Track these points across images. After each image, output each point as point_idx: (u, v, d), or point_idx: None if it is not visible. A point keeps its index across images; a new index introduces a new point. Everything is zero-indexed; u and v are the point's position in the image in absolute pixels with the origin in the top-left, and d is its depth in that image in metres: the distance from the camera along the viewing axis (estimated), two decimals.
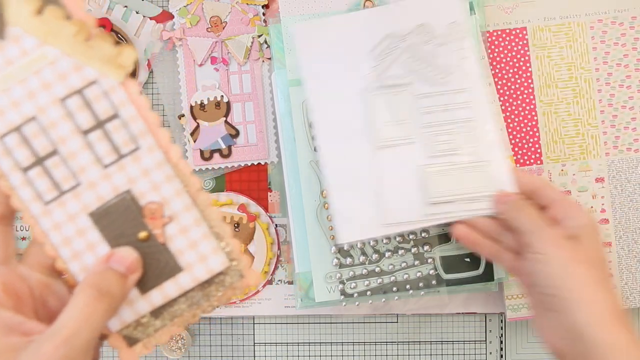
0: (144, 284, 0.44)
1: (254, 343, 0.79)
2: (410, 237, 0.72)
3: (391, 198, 0.69)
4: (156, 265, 0.44)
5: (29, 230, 0.45)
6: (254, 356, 0.79)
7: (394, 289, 0.72)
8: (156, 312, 0.45)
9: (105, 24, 0.77)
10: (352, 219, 0.68)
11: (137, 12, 0.78)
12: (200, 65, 0.77)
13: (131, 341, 0.45)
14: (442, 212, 0.68)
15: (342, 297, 0.72)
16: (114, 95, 0.43)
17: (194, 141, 0.77)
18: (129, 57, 0.42)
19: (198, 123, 0.77)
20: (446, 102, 0.70)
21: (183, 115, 0.78)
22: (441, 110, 0.70)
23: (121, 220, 0.44)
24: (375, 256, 0.72)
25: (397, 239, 0.72)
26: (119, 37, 0.78)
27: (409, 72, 0.70)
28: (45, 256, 0.44)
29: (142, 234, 0.44)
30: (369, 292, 0.72)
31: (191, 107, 0.78)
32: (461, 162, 0.69)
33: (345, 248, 0.72)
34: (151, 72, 0.78)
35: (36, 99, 0.42)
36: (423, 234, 0.72)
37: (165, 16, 0.78)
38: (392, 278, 0.72)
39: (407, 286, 0.72)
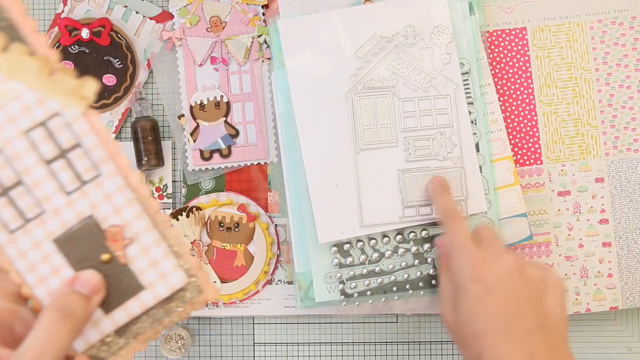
0: (108, 304, 0.46)
1: (254, 343, 0.79)
2: (410, 236, 0.72)
3: (371, 200, 0.70)
4: (119, 286, 0.46)
5: None
6: (254, 356, 0.79)
7: (394, 288, 0.72)
8: (120, 331, 0.47)
9: (105, 24, 0.77)
10: (332, 219, 0.70)
11: (137, 12, 0.78)
12: (200, 65, 0.77)
13: None
14: (419, 215, 0.71)
15: (342, 297, 0.72)
16: (76, 126, 0.45)
17: (194, 141, 0.77)
18: (91, 89, 0.45)
19: (198, 123, 0.77)
20: (427, 107, 0.71)
21: (183, 115, 0.78)
22: (422, 115, 0.71)
23: (84, 244, 0.45)
24: (375, 256, 0.72)
25: (397, 238, 0.72)
26: (119, 37, 0.78)
27: (393, 74, 0.71)
28: (11, 283, 0.45)
29: (105, 256, 0.46)
30: (369, 292, 0.72)
31: (191, 107, 0.77)
32: (437, 167, 0.71)
33: (344, 248, 0.72)
34: (151, 72, 0.78)
35: (2, 132, 0.44)
36: (423, 233, 0.72)
37: (165, 16, 0.78)
38: (392, 278, 0.72)
39: (407, 286, 0.72)
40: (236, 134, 0.78)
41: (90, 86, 0.45)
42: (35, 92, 0.44)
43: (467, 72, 0.73)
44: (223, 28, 0.78)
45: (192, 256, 0.47)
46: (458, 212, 0.68)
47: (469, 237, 0.64)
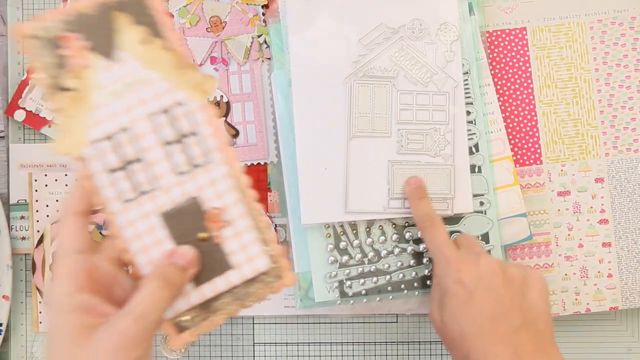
0: (198, 279, 0.51)
1: (254, 343, 0.80)
2: (407, 235, 0.72)
3: (358, 187, 0.70)
4: (210, 263, 0.51)
5: (105, 226, 0.50)
6: (254, 356, 0.79)
7: (393, 288, 0.72)
8: (205, 304, 0.51)
9: None
10: (316, 202, 0.70)
11: None
12: (200, 65, 0.77)
13: (180, 329, 0.51)
14: (403, 208, 0.71)
15: (342, 297, 0.72)
16: (195, 116, 0.50)
17: None
18: (212, 86, 0.50)
19: None
20: (425, 102, 0.71)
21: None
22: (419, 109, 0.71)
23: (186, 221, 0.51)
24: (372, 255, 0.72)
25: (394, 237, 0.72)
26: None
27: (395, 66, 0.71)
28: (114, 250, 0.50)
29: (202, 235, 0.51)
30: (368, 292, 0.72)
31: None
32: (427, 162, 0.71)
33: (341, 246, 0.72)
34: None
35: (132, 113, 0.49)
36: (420, 233, 0.72)
37: None
38: (392, 278, 0.72)
39: (406, 285, 0.73)
40: (236, 134, 0.78)
41: (212, 83, 0.50)
42: (166, 82, 0.50)
43: (467, 72, 0.73)
44: (223, 28, 0.78)
45: (277, 245, 0.52)
46: (436, 217, 0.68)
47: (449, 242, 0.66)
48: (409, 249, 0.72)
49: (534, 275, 0.63)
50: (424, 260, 0.72)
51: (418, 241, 0.72)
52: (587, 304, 0.76)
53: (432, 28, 0.72)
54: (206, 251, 0.51)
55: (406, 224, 0.72)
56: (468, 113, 0.73)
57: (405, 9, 0.72)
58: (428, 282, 0.72)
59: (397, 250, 0.72)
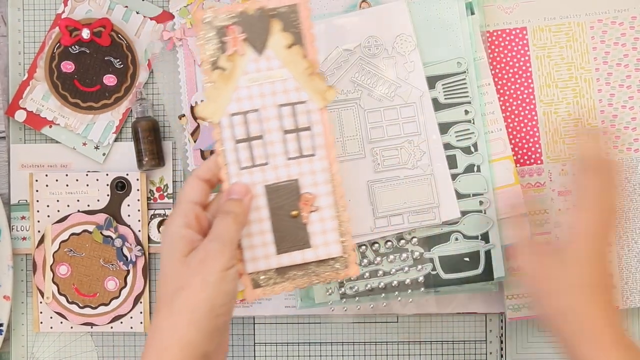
0: (280, 247, 0.60)
1: (254, 343, 0.80)
2: (408, 237, 0.72)
3: None
4: (294, 237, 0.60)
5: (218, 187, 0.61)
6: (254, 356, 0.80)
7: (395, 289, 0.72)
8: (280, 270, 0.60)
9: (105, 24, 0.77)
10: None
11: (137, 12, 0.78)
12: (200, 65, 0.77)
13: (255, 285, 0.60)
14: (390, 225, 0.72)
15: (342, 298, 0.72)
16: (313, 115, 0.60)
17: (194, 141, 0.77)
18: (332, 95, 0.60)
19: (198, 123, 0.78)
20: (394, 116, 0.72)
21: (183, 115, 0.78)
22: (388, 124, 0.71)
23: (284, 197, 0.60)
24: (373, 256, 0.72)
25: (395, 239, 0.72)
26: (120, 37, 0.78)
27: (357, 86, 0.71)
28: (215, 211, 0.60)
29: (294, 212, 0.60)
30: (369, 293, 0.72)
31: (191, 107, 0.78)
32: (406, 175, 0.72)
33: None
34: (151, 72, 0.79)
35: (264, 99, 0.60)
36: (422, 236, 0.72)
37: (165, 16, 0.78)
38: (393, 279, 0.72)
39: (408, 286, 0.73)
40: None
41: (333, 93, 0.60)
42: (296, 82, 0.60)
43: (465, 72, 0.73)
44: None
45: (351, 239, 0.60)
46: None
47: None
48: (412, 250, 0.72)
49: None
50: (427, 260, 0.72)
51: (420, 242, 0.73)
52: None
53: (387, 42, 0.72)
54: (293, 226, 0.60)
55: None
56: (466, 112, 0.73)
57: (358, 29, 0.72)
58: (433, 282, 0.72)
59: (399, 252, 0.72)
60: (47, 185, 0.78)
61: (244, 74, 0.60)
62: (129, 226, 0.78)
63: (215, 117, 0.60)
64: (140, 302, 0.78)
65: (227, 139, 0.60)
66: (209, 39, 0.60)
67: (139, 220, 0.78)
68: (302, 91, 0.60)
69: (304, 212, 0.60)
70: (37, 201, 0.78)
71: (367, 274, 0.72)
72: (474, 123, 0.73)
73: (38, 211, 0.78)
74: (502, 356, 0.79)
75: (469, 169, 0.73)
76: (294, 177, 0.60)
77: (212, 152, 0.77)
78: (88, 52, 0.78)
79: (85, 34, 0.77)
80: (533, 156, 0.76)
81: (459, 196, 0.73)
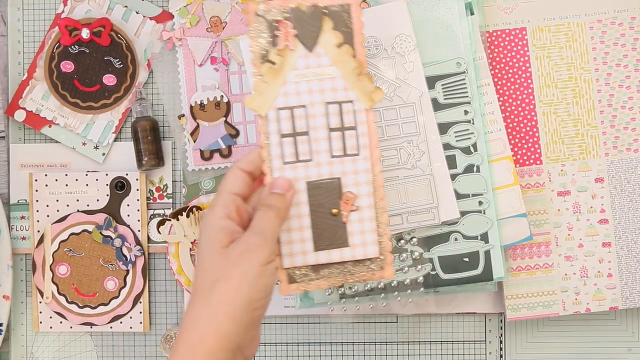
0: (319, 245, 0.60)
1: None
2: (408, 237, 0.72)
3: None
4: (332, 236, 0.60)
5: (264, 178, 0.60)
6: (254, 356, 0.79)
7: (394, 289, 0.72)
8: (316, 267, 0.60)
9: (105, 24, 0.77)
10: None
11: (137, 12, 0.78)
12: (200, 65, 0.78)
13: (291, 280, 0.60)
14: (390, 225, 0.71)
15: (342, 298, 0.72)
16: (359, 115, 0.61)
17: (194, 141, 0.77)
18: (379, 97, 0.61)
19: (198, 123, 0.78)
20: (393, 116, 0.72)
21: (183, 115, 0.78)
22: (388, 124, 0.71)
23: (325, 195, 0.60)
24: None
25: (395, 239, 0.72)
26: (119, 37, 0.78)
27: None
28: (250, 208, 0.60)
29: (334, 211, 0.60)
30: (368, 293, 0.72)
31: (191, 107, 0.78)
32: (406, 176, 0.72)
33: None
34: (151, 72, 0.79)
35: (312, 96, 0.60)
36: (423, 237, 0.72)
37: (165, 16, 0.78)
38: (392, 279, 0.72)
39: (407, 286, 0.73)
40: (236, 134, 0.78)
41: (380, 94, 0.61)
42: (345, 82, 0.60)
43: (464, 72, 0.73)
44: (223, 28, 0.78)
45: (389, 241, 0.61)
46: None
47: None
48: (412, 250, 0.72)
49: None
50: (427, 260, 0.72)
51: (420, 242, 0.73)
52: (587, 303, 0.76)
53: (387, 42, 0.72)
54: (333, 225, 0.60)
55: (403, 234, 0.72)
56: (465, 112, 0.73)
57: None
58: (432, 282, 0.72)
59: (399, 252, 0.72)
60: (46, 185, 0.78)
61: (293, 69, 0.60)
62: (128, 226, 0.78)
63: (262, 110, 0.60)
64: (140, 302, 0.79)
65: (272, 132, 0.60)
66: (260, 31, 0.60)
67: (139, 220, 0.78)
68: (350, 91, 0.60)
69: (344, 210, 0.60)
70: (37, 201, 0.78)
71: None
72: (473, 123, 0.73)
73: (38, 211, 0.78)
74: (501, 356, 0.79)
75: (469, 169, 0.73)
76: (336, 176, 0.60)
77: (212, 153, 0.77)
78: (88, 51, 0.78)
79: (85, 33, 0.77)
80: (533, 156, 0.76)
81: (459, 196, 0.73)
